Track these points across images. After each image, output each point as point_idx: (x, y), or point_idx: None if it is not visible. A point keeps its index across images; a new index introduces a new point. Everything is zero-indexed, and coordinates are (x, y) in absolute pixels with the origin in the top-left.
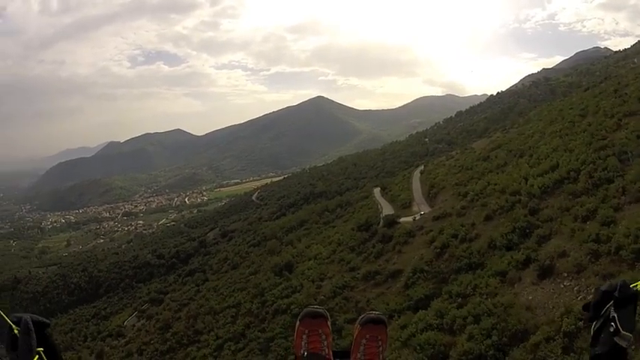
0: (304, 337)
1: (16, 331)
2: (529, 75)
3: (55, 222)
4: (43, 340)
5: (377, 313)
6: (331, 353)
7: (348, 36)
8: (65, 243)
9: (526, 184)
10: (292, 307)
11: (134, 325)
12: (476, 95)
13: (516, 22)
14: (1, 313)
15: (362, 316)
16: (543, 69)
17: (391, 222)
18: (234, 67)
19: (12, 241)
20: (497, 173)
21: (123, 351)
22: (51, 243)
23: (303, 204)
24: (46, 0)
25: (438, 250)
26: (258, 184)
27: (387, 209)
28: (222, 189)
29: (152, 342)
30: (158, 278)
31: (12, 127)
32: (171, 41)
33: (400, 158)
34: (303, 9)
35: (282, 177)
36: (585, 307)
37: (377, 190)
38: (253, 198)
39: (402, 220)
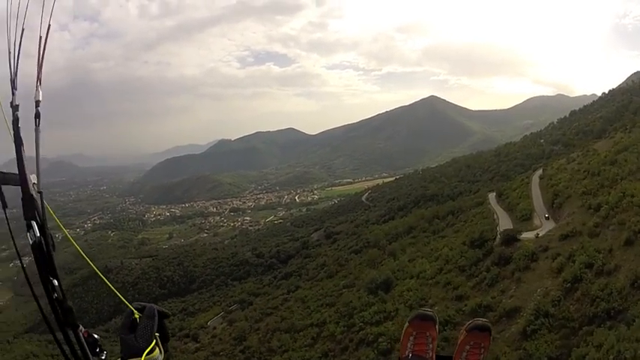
0: (411, 338)
1: (136, 316)
2: (636, 72)
3: (159, 215)
4: (161, 328)
5: (484, 320)
6: (435, 357)
7: (457, 35)
8: (167, 236)
9: None
10: (380, 340)
11: (214, 328)
12: (585, 95)
13: (616, 17)
14: (124, 300)
15: (469, 321)
16: None
17: (510, 239)
18: (345, 67)
19: (110, 232)
20: (632, 181)
21: (189, 359)
22: (152, 235)
23: (413, 207)
24: (145, 4)
25: (568, 284)
26: (370, 184)
27: (504, 221)
28: (333, 188)
29: (222, 353)
30: (254, 278)
31: (119, 124)
32: (280, 42)
33: (516, 161)
34: (408, 9)
35: (394, 178)
36: None
37: (492, 196)
38: (363, 199)
39: (523, 236)
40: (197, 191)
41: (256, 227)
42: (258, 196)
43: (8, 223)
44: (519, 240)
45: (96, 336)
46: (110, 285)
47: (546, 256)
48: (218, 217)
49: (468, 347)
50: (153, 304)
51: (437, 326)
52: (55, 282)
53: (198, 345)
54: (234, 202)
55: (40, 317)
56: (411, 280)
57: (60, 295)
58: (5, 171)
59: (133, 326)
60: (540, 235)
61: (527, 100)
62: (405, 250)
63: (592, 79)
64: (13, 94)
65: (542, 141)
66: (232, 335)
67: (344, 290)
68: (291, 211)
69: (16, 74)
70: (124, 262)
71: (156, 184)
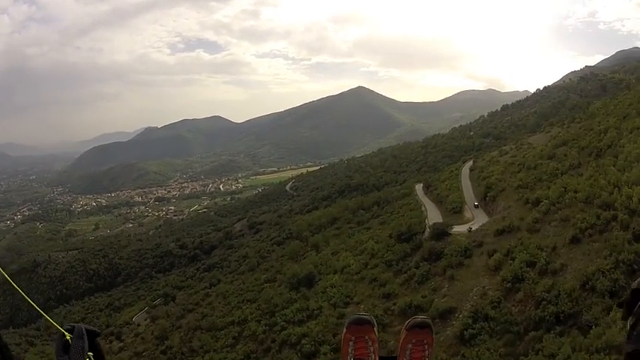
0: (351, 343)
1: (68, 338)
2: (572, 72)
3: (86, 205)
4: (93, 347)
5: (423, 317)
6: (378, 358)
7: (390, 27)
8: (93, 227)
9: (620, 194)
10: (303, 342)
11: (139, 324)
12: (517, 91)
13: (557, 17)
14: (54, 322)
15: (408, 320)
16: (586, 66)
17: (440, 233)
18: (275, 55)
19: (38, 223)
20: (573, 176)
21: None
22: (79, 226)
23: (338, 197)
24: None
25: (508, 284)
26: (294, 173)
27: (433, 213)
28: (258, 177)
29: (145, 354)
30: (178, 270)
31: (49, 112)
32: (212, 29)
33: (444, 152)
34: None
35: (319, 167)
36: (619, 305)
37: (419, 187)
38: (287, 188)
39: (454, 230)
40: (123, 180)
41: (181, 217)
42: (183, 184)
43: None
44: (450, 234)
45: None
46: (36, 306)
47: (481, 252)
48: (143, 207)
49: (410, 346)
50: (82, 324)
51: (375, 329)
52: None
53: (121, 344)
54: (160, 192)
55: None
56: (335, 276)
57: None
58: None
59: (66, 348)
60: (473, 229)
61: (458, 93)
62: (328, 243)
63: (526, 76)
64: None
65: (471, 133)
66: (154, 334)
67: (265, 285)
68: (216, 200)
69: None
70: (52, 256)
71: (83, 173)
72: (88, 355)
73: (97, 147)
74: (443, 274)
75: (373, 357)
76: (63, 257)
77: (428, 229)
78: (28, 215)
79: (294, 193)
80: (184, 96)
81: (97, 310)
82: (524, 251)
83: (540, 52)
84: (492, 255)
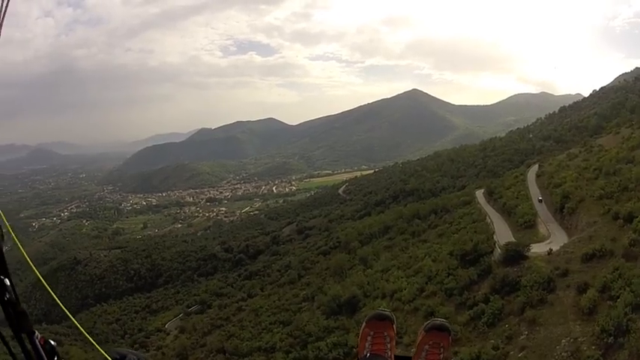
0: (369, 338)
1: None
2: (623, 74)
3: (136, 204)
4: None
5: (442, 320)
6: (394, 357)
7: (441, 29)
8: (141, 226)
9: None
10: None
11: (168, 333)
12: (569, 94)
13: (604, 19)
14: (99, 348)
15: (427, 322)
16: (637, 67)
17: (515, 255)
18: (328, 58)
19: (85, 221)
20: None
21: None
22: (126, 225)
23: (392, 203)
24: None
25: (609, 338)
26: (348, 176)
27: (500, 227)
28: (312, 179)
29: None
30: (221, 274)
31: (100, 112)
32: (263, 32)
33: (503, 156)
34: (395, 1)
35: (374, 170)
36: None
37: (480, 194)
38: (340, 191)
39: (532, 252)
40: (175, 180)
41: (231, 218)
42: (236, 186)
43: None
44: (527, 257)
45: (53, 343)
46: (74, 320)
47: (567, 285)
48: (194, 207)
49: (427, 347)
50: (132, 355)
51: (394, 326)
52: (7, 281)
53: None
54: (212, 192)
55: None
56: (383, 302)
57: (12, 297)
58: None
59: None
60: (553, 250)
61: (511, 96)
62: (378, 256)
63: (576, 79)
64: None
65: (531, 136)
66: (175, 351)
67: (303, 305)
68: (268, 202)
69: None
70: (93, 254)
71: (135, 173)
72: None
73: (150, 147)
74: (520, 315)
75: (389, 354)
76: (105, 256)
77: (498, 249)
78: (75, 212)
79: (347, 197)
80: (237, 98)
81: (133, 312)
82: (627, 288)
83: (589, 55)
84: (583, 291)
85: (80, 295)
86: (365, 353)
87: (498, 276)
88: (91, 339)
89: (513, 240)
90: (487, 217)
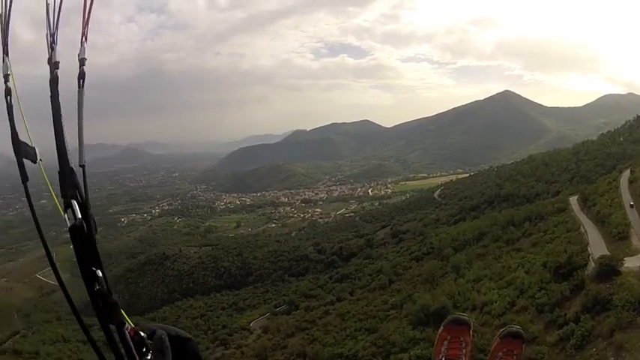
0: (445, 342)
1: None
2: None
3: (229, 203)
4: (182, 356)
5: (517, 327)
6: None
7: (530, 29)
8: (234, 224)
9: None
10: None
11: (252, 332)
12: None
13: None
14: (130, 323)
15: (503, 329)
16: None
17: (608, 270)
18: (420, 59)
19: (176, 218)
20: None
21: None
22: (219, 223)
23: (487, 208)
24: None
25: None
26: (444, 179)
27: (594, 238)
28: (407, 182)
29: None
30: (312, 275)
31: (192, 114)
32: (353, 34)
33: (595, 160)
34: (481, 1)
35: (469, 174)
36: None
37: (574, 201)
38: (435, 195)
39: (625, 266)
40: (270, 181)
41: (326, 220)
42: (331, 187)
43: (29, 200)
44: (620, 272)
45: (143, 334)
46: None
47: None
48: (289, 208)
49: (500, 354)
50: (164, 331)
51: (471, 332)
52: (99, 272)
53: (219, 355)
54: (307, 193)
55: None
56: (472, 314)
57: (104, 288)
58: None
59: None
60: None
61: (600, 98)
62: (471, 264)
63: None
64: (52, 49)
65: (621, 139)
66: (255, 351)
67: (390, 312)
68: (363, 204)
69: (56, 26)
70: (183, 250)
71: (229, 173)
72: None
73: (245, 148)
74: (608, 338)
75: (464, 359)
76: (195, 252)
77: (592, 263)
78: (167, 210)
79: (442, 201)
80: (331, 100)
81: (219, 309)
82: None
83: None
84: None
85: (167, 290)
86: (440, 357)
87: (591, 293)
88: (124, 314)
89: (607, 253)
90: (581, 227)
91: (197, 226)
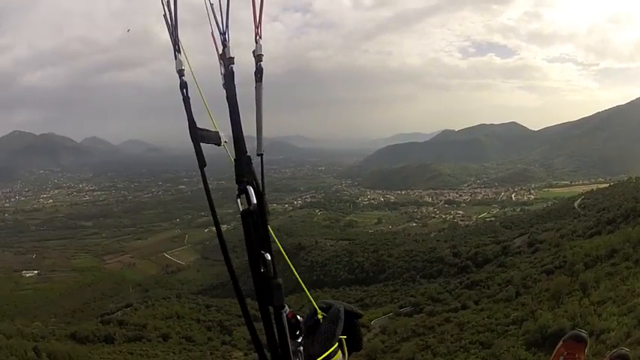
0: (561, 358)
1: (320, 316)
2: None
3: (373, 199)
4: (349, 329)
5: (582, 330)
6: None
7: None
8: (375, 221)
9: None
10: None
11: (371, 330)
12: None
13: None
14: (310, 297)
15: (568, 332)
16: None
17: None
18: (564, 60)
19: (317, 210)
20: None
21: None
22: (360, 218)
23: (622, 222)
24: None
25: None
26: (585, 188)
27: None
28: (550, 189)
29: None
30: (444, 279)
31: (339, 110)
32: (499, 32)
33: None
34: None
35: (608, 184)
36: None
37: None
38: (575, 205)
39: None
40: (415, 180)
41: (467, 223)
42: (476, 190)
43: (206, 185)
44: None
45: (300, 318)
46: (299, 278)
47: None
48: (431, 208)
49: (562, 358)
50: (340, 305)
51: (586, 349)
52: (268, 256)
53: None
54: (451, 194)
55: (216, 281)
56: (590, 340)
57: (270, 271)
58: (205, 128)
59: (313, 328)
60: None
61: None
62: (599, 284)
63: None
64: (225, 45)
65: None
66: (365, 350)
67: (510, 327)
68: (505, 209)
69: (227, 25)
70: (319, 242)
71: (375, 169)
72: (340, 339)
73: (392, 145)
74: None
75: None
76: (331, 245)
77: None
78: (309, 202)
79: (581, 212)
80: (479, 100)
81: (362, 314)
82: None
83: None
84: None
85: (296, 279)
86: None
87: None
88: (305, 288)
89: None
90: None
91: (337, 220)
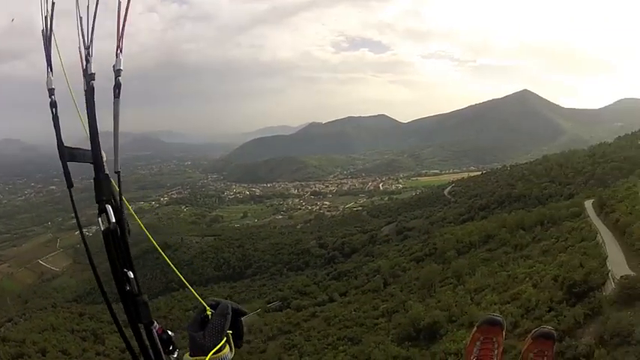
0: (478, 343)
1: (208, 313)
2: None
3: (239, 193)
4: (234, 326)
5: (550, 328)
6: None
7: (551, 30)
8: (241, 215)
9: None
10: None
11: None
12: None
13: None
14: (197, 296)
15: (536, 329)
16: None
17: (630, 295)
18: (440, 56)
19: (184, 207)
20: None
21: None
22: (226, 213)
23: (496, 208)
24: None
25: None
26: (456, 177)
27: (613, 250)
28: (419, 178)
29: None
30: (311, 270)
31: (212, 103)
32: (375, 28)
33: (612, 163)
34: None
35: (481, 172)
36: None
37: (590, 206)
38: (445, 192)
39: None
40: (281, 172)
41: (333, 213)
42: (342, 181)
43: (73, 204)
44: None
45: (170, 333)
46: (182, 277)
47: None
48: (297, 200)
49: (531, 355)
50: (228, 302)
51: (504, 332)
52: (130, 274)
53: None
54: (317, 186)
55: (89, 287)
56: (467, 333)
57: (135, 289)
58: (76, 147)
59: (203, 323)
60: None
61: (618, 101)
62: (474, 271)
63: None
64: (87, 61)
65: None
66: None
67: (379, 320)
68: (373, 198)
69: (91, 40)
70: (185, 240)
71: (241, 163)
72: (227, 334)
73: (259, 139)
74: None
75: None
76: (197, 242)
77: (611, 283)
78: (175, 198)
79: (452, 199)
80: (349, 93)
81: (247, 312)
82: None
83: None
84: None
85: (165, 279)
86: (472, 359)
87: (610, 323)
88: (192, 289)
89: (629, 271)
90: (598, 235)
91: (203, 215)
